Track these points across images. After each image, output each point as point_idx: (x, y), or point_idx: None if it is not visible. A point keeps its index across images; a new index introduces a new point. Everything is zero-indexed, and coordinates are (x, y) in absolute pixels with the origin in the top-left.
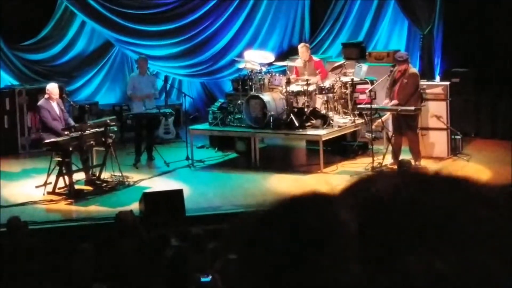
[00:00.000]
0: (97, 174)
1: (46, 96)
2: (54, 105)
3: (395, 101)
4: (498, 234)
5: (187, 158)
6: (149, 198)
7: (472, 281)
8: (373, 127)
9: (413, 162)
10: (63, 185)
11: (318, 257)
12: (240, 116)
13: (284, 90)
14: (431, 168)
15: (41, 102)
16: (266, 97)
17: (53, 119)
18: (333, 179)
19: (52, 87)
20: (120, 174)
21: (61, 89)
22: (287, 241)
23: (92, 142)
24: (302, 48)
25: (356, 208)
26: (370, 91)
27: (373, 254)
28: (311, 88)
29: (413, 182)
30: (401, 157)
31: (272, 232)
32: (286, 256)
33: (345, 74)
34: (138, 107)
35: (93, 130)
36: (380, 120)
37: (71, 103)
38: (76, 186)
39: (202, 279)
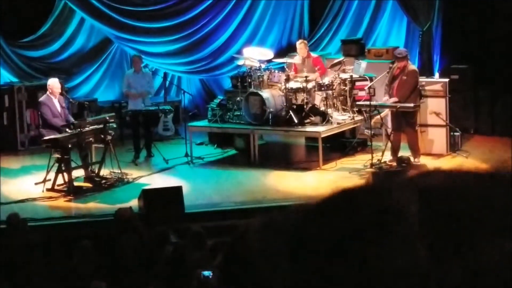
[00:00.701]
0: (96, 171)
1: (48, 91)
2: (55, 101)
3: (394, 98)
4: None
5: (186, 155)
6: (148, 195)
7: None
8: (372, 123)
9: (412, 158)
10: (62, 182)
11: (382, 238)
12: (239, 113)
13: (283, 87)
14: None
15: (42, 98)
16: (265, 94)
17: (53, 116)
18: (332, 176)
19: (53, 82)
20: (119, 171)
21: (61, 86)
22: (348, 224)
23: (91, 139)
24: (300, 44)
25: (416, 195)
26: (369, 87)
27: (440, 239)
28: (310, 85)
29: (466, 174)
30: (400, 154)
31: (330, 217)
32: (345, 237)
33: (344, 71)
34: (134, 104)
35: (92, 127)
36: (379, 117)
37: (70, 100)
38: (75, 183)
39: (204, 273)
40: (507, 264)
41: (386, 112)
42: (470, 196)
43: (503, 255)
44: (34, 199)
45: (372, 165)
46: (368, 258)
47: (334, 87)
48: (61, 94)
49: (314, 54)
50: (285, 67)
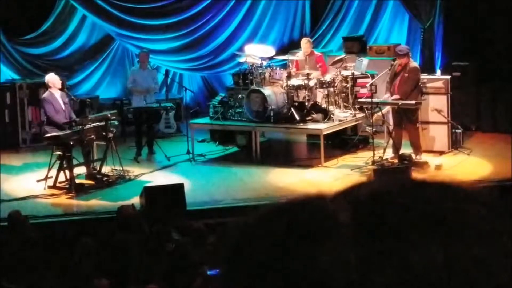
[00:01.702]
0: (98, 168)
1: (49, 88)
2: (58, 97)
3: (396, 96)
4: (495, 230)
5: (188, 152)
6: (150, 192)
7: (472, 273)
8: (374, 121)
9: (413, 156)
10: (64, 179)
11: (313, 249)
12: (240, 110)
13: (284, 84)
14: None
15: (45, 94)
16: (266, 91)
17: (56, 112)
18: (334, 173)
19: (51, 77)
20: (121, 168)
21: (62, 83)
22: (281, 236)
23: (93, 136)
24: (305, 43)
25: (349, 204)
26: (371, 85)
27: (370, 246)
28: (311, 82)
29: (406, 182)
30: (401, 151)
31: (266, 228)
32: (279, 250)
33: (345, 68)
34: (138, 101)
35: (94, 124)
36: (380, 114)
37: (72, 97)
38: (77, 180)
39: (209, 272)
40: (436, 271)
41: (387, 109)
42: (407, 202)
43: (430, 261)
44: (35, 197)
45: (373, 162)
46: (297, 272)
47: (335, 84)
48: (62, 90)
49: (317, 52)
50: (287, 64)
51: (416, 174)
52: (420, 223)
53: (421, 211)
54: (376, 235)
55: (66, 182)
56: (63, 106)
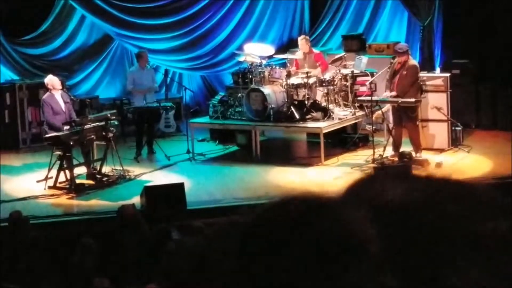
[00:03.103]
0: (98, 168)
1: (49, 89)
2: (58, 98)
3: (393, 93)
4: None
5: (188, 152)
6: (150, 192)
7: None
8: (374, 119)
9: (413, 153)
10: (64, 179)
11: (342, 274)
12: (240, 109)
13: (284, 83)
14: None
15: (45, 96)
16: (266, 90)
17: (55, 114)
18: (334, 171)
19: (51, 79)
20: (121, 168)
21: (61, 84)
22: (302, 256)
23: (92, 136)
24: (302, 40)
25: (374, 219)
26: (371, 83)
27: (408, 266)
28: (311, 80)
29: (425, 189)
30: (401, 149)
31: (275, 239)
32: (299, 273)
33: (345, 67)
34: (139, 101)
35: (94, 124)
36: (380, 112)
37: (72, 97)
38: (77, 180)
39: None
40: None
41: (387, 107)
42: (437, 217)
43: (475, 286)
44: (36, 197)
45: (374, 160)
46: None
47: (335, 83)
48: (62, 89)
49: (315, 50)
50: (286, 62)
51: (419, 172)
52: (460, 246)
53: (459, 232)
54: (410, 258)
55: (67, 182)
56: (63, 106)
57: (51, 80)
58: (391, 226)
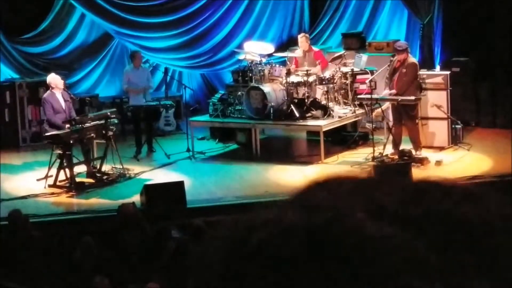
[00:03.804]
0: (98, 167)
1: (50, 88)
2: (59, 96)
3: (393, 91)
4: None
5: (188, 150)
6: (150, 190)
7: None
8: (373, 117)
9: (413, 151)
10: (64, 178)
11: None
12: (240, 108)
13: (284, 81)
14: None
15: (45, 95)
16: (266, 88)
17: (56, 112)
18: (334, 169)
19: (53, 78)
20: (121, 167)
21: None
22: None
23: (92, 134)
24: (301, 38)
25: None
26: (370, 81)
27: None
28: (311, 78)
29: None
30: (401, 147)
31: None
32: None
33: (345, 65)
34: (136, 100)
35: (94, 122)
36: (380, 110)
37: (71, 96)
38: (77, 179)
39: None
40: None
41: (387, 105)
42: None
43: None
44: (36, 195)
45: (373, 158)
46: None
47: (335, 81)
48: (63, 89)
49: (315, 48)
50: (286, 61)
51: (418, 172)
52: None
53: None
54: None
55: (67, 181)
56: (63, 105)
57: (54, 78)
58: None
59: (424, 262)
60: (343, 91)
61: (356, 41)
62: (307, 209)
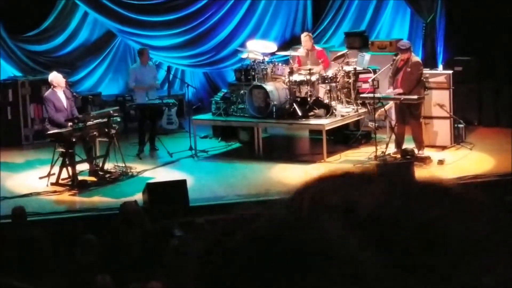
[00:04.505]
0: (101, 165)
1: (53, 86)
2: (61, 95)
3: (399, 90)
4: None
5: (190, 148)
6: (152, 189)
7: None
8: (376, 116)
9: (416, 151)
10: (66, 176)
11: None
12: (243, 106)
13: (287, 80)
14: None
15: (47, 93)
16: (269, 86)
17: (58, 111)
18: (336, 168)
19: (55, 76)
20: (124, 165)
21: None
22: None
23: (95, 133)
24: (305, 37)
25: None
26: (373, 80)
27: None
28: (314, 77)
29: (403, 194)
30: (404, 146)
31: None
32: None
33: (347, 64)
34: (140, 98)
35: (96, 121)
36: (383, 109)
37: (74, 94)
38: (80, 177)
39: None
40: None
41: (390, 104)
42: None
43: None
44: (38, 193)
45: (376, 157)
46: None
47: (337, 80)
48: (65, 87)
49: (318, 47)
50: (289, 59)
51: (421, 171)
52: (432, 260)
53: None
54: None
55: (69, 179)
56: (65, 103)
57: (56, 77)
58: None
59: (361, 270)
60: (346, 90)
61: (358, 40)
62: (285, 207)
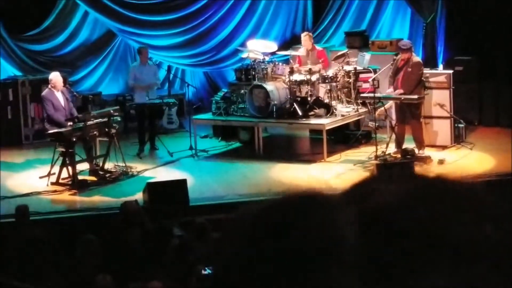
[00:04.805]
0: (101, 165)
1: (50, 86)
2: (59, 95)
3: (400, 91)
4: (503, 249)
5: (191, 148)
6: (152, 188)
7: None
8: (376, 116)
9: (416, 150)
10: (66, 175)
11: (313, 269)
12: (243, 106)
13: (287, 79)
14: (431, 174)
15: (44, 92)
16: (269, 86)
17: (56, 110)
18: (336, 168)
19: (55, 76)
20: (124, 164)
21: (64, 80)
22: (281, 250)
23: (95, 132)
24: (305, 37)
25: (357, 219)
26: (373, 80)
27: (374, 274)
28: (314, 77)
29: (416, 193)
30: (404, 146)
31: (266, 238)
32: (276, 266)
33: (348, 63)
34: (141, 97)
35: (97, 120)
36: (382, 108)
37: (74, 93)
38: (80, 177)
39: (204, 272)
40: None
41: (390, 103)
42: (416, 223)
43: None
44: (38, 193)
45: (376, 157)
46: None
47: (338, 79)
48: (64, 86)
49: (318, 47)
50: (289, 59)
51: (420, 169)
52: (428, 250)
53: (430, 236)
54: (382, 264)
55: (69, 179)
56: (63, 103)
57: (55, 77)
58: (372, 230)
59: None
60: (346, 89)
61: (359, 40)
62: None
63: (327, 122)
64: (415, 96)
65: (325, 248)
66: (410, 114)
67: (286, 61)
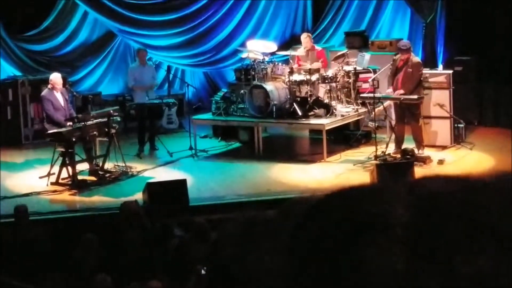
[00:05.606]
0: (101, 165)
1: (49, 86)
2: (58, 95)
3: (400, 91)
4: None
5: (190, 148)
6: (152, 188)
7: None
8: (376, 115)
9: (416, 150)
10: (66, 175)
11: (365, 246)
12: (243, 106)
13: (287, 80)
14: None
15: (44, 92)
16: (269, 86)
17: (56, 110)
18: (336, 168)
19: (55, 77)
20: (124, 164)
21: (64, 80)
22: (337, 227)
23: (95, 132)
24: (304, 37)
25: (410, 203)
26: (373, 80)
27: (420, 252)
28: (314, 77)
29: (469, 186)
30: (404, 146)
31: (323, 217)
32: (333, 242)
33: (347, 63)
34: (140, 97)
35: (96, 120)
36: (381, 107)
37: (74, 93)
38: (80, 177)
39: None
40: (482, 282)
41: (389, 102)
42: (465, 209)
43: (478, 273)
44: (38, 193)
45: (376, 157)
46: (348, 265)
47: (337, 80)
48: (64, 86)
49: (318, 47)
50: (289, 59)
51: (419, 169)
52: (474, 234)
53: (476, 222)
54: (430, 243)
55: (69, 179)
56: (62, 103)
57: (55, 78)
58: (422, 213)
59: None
60: (346, 89)
61: (358, 40)
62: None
63: (327, 122)
64: (415, 96)
65: (373, 222)
66: (410, 114)
67: (286, 61)
